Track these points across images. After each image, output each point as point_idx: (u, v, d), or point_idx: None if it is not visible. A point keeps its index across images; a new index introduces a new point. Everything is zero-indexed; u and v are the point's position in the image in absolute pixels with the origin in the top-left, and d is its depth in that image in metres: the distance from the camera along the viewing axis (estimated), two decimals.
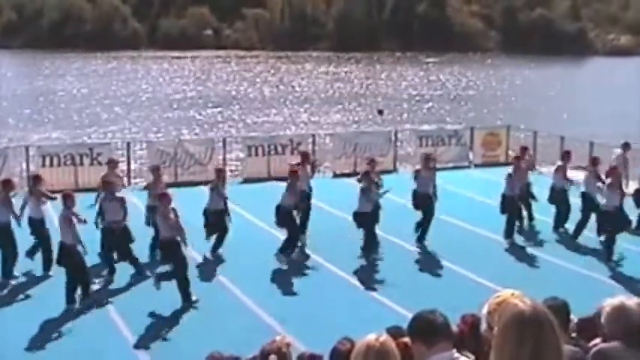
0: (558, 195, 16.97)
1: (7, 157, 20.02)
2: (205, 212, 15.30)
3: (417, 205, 16.25)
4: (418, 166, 17.05)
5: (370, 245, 15.10)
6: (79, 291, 12.72)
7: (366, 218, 14.98)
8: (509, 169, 16.61)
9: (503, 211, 16.34)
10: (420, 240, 16.03)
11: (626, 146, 18.49)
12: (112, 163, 16.74)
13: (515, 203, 16.47)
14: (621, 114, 41.73)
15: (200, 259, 14.88)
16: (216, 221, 15.20)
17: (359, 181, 15.33)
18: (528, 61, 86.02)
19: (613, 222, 15.22)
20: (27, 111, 42.85)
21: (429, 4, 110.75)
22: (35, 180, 14.63)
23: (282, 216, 14.96)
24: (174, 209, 12.86)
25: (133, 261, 13.98)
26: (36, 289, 13.48)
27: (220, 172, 15.90)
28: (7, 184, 13.97)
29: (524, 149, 18.17)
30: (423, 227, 16.07)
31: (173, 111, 44.31)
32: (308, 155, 17.37)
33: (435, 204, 16.15)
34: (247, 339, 8.85)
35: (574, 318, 5.69)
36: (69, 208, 12.68)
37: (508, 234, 16.30)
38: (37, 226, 14.07)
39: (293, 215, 15.22)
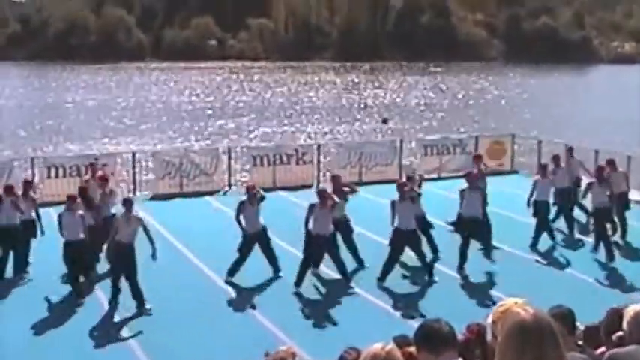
0: (562, 198, 17.10)
1: (12, 169, 20.06)
2: (245, 236, 14.14)
3: (462, 230, 14.71)
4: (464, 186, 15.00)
5: (387, 269, 14.05)
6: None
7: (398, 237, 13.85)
8: (536, 177, 16.66)
9: (535, 215, 16.35)
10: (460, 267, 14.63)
11: (570, 150, 18.78)
12: (93, 169, 16.30)
13: (545, 208, 16.39)
14: (626, 121, 41.67)
15: (206, 269, 14.88)
16: (247, 245, 14.11)
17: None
18: (533, 69, 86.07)
19: (601, 222, 15.21)
20: (33, 123, 42.96)
21: (432, 13, 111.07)
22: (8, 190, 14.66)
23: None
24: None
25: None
26: (34, 289, 13.57)
27: (249, 189, 14.61)
28: (10, 191, 14.34)
29: (477, 157, 18.51)
30: (485, 247, 14.81)
31: (180, 122, 44.40)
32: (339, 180, 15.49)
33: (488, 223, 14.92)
34: (253, 348, 8.86)
35: (580, 325, 5.68)
36: (73, 210, 13.22)
37: (536, 239, 16.36)
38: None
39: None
